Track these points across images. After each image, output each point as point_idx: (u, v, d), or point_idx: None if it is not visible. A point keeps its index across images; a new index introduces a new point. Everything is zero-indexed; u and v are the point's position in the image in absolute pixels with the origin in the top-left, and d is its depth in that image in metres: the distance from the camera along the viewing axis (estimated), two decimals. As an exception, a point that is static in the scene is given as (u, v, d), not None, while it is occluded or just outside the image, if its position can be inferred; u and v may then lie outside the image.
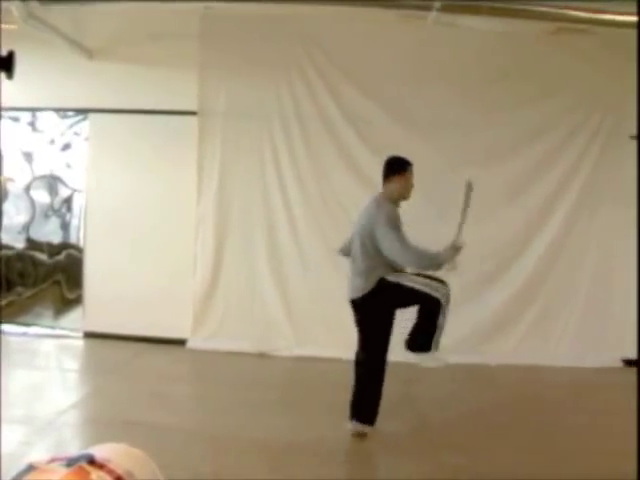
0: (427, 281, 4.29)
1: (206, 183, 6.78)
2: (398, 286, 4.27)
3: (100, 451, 0.85)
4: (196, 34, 6.66)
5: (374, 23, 6.49)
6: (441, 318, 4.30)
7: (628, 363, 6.85)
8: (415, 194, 6.46)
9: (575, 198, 6.80)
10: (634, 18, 5.26)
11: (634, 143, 6.80)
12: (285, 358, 6.49)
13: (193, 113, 6.74)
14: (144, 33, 6.65)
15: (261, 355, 6.53)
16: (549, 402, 5.49)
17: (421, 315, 4.34)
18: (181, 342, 6.72)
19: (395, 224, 4.24)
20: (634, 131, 6.80)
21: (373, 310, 4.35)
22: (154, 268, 6.83)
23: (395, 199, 4.44)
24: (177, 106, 6.73)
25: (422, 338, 4.38)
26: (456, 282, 6.59)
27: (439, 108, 6.64)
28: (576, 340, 6.75)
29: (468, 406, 5.18)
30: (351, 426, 4.37)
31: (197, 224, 6.80)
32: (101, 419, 4.55)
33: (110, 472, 0.80)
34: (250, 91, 6.68)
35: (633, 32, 5.84)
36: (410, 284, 4.28)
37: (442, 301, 4.25)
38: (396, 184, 4.42)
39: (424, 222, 6.51)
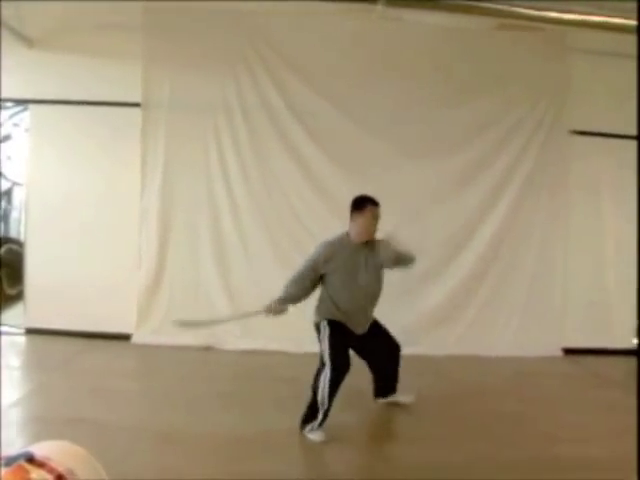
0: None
1: (150, 176, 6.69)
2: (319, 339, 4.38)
3: (41, 449, 0.84)
4: (140, 25, 6.55)
5: (320, 16, 6.50)
6: (322, 387, 4.23)
7: (568, 352, 7.07)
8: (364, 187, 6.57)
9: (517, 191, 6.96)
10: (576, 16, 5.39)
11: (573, 138, 7.00)
12: (231, 352, 6.46)
13: (137, 105, 6.64)
14: (86, 23, 6.52)
15: (207, 349, 6.50)
16: (492, 391, 5.59)
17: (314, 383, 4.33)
18: (125, 337, 6.64)
19: (312, 261, 4.37)
20: (574, 126, 7.01)
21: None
22: (97, 262, 6.72)
23: (354, 236, 4.43)
24: (120, 98, 6.61)
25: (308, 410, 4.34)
26: (402, 273, 6.73)
27: (386, 102, 6.70)
28: (518, 330, 6.91)
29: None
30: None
31: (141, 217, 6.71)
32: (44, 417, 4.45)
33: (51, 470, 0.79)
34: (195, 84, 6.62)
35: (574, 29, 5.98)
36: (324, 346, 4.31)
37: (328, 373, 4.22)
38: (354, 222, 4.42)
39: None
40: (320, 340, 4.36)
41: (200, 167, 6.67)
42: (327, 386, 4.20)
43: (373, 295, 4.58)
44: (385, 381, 4.96)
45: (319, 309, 4.47)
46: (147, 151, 6.66)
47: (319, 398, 4.23)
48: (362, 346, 4.61)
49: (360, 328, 4.54)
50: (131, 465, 3.44)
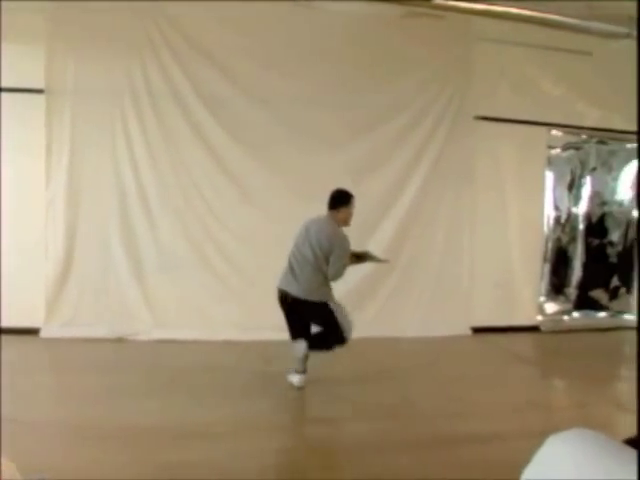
0: (347, 317, 5.09)
1: (55, 164, 6.46)
2: (331, 314, 5.01)
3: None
4: (44, 8, 6.30)
5: (229, 2, 6.43)
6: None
7: (476, 331, 7.35)
8: (272, 172, 6.64)
9: (425, 175, 7.14)
10: (478, 6, 5.55)
11: (478, 123, 7.24)
12: (144, 342, 6.36)
13: (40, 91, 6.41)
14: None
15: (119, 340, 6.38)
16: (403, 371, 5.74)
17: (323, 336, 5.08)
18: (34, 331, 6.43)
19: (348, 249, 5.02)
20: (478, 112, 7.24)
21: (310, 311, 5.05)
22: (3, 255, 6.47)
23: (343, 224, 5.15)
24: (23, 84, 6.36)
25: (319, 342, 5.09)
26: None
27: (294, 87, 6.72)
28: (428, 311, 7.09)
29: (326, 379, 5.32)
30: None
31: (47, 206, 6.49)
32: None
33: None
34: (100, 68, 6.41)
35: (477, 18, 6.15)
36: (339, 318, 5.02)
37: (346, 339, 5.03)
38: (343, 214, 5.12)
39: (287, 200, 6.66)
40: (335, 312, 5.02)
41: (107, 154, 6.50)
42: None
43: None
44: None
45: (324, 290, 5.05)
46: (52, 138, 6.43)
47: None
48: None
49: None
50: (47, 462, 3.34)
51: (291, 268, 5.09)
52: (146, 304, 6.59)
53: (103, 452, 3.76)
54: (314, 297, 5.02)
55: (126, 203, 6.56)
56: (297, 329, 5.15)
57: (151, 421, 4.31)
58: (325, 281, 5.05)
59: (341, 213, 5.13)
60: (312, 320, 5.14)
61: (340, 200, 5.14)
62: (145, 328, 6.50)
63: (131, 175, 6.53)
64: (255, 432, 4.24)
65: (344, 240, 5.02)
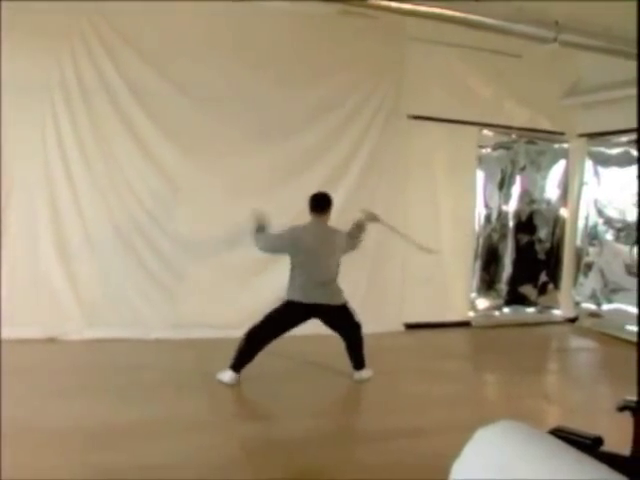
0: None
1: (-19, 160, 6.27)
2: (351, 315, 5.59)
3: None
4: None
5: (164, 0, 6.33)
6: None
7: (409, 327, 7.47)
8: (206, 172, 6.60)
9: (358, 173, 7.20)
10: (409, 6, 5.59)
11: (411, 122, 7.36)
12: (75, 342, 6.22)
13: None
14: None
15: (50, 340, 6.23)
16: (335, 367, 5.79)
17: (350, 339, 5.56)
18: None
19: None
20: (411, 111, 7.35)
21: (340, 316, 5.46)
22: None
23: None
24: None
25: (359, 356, 5.59)
26: (253, 256, 6.76)
27: (229, 85, 6.67)
28: (362, 308, 7.11)
29: (259, 377, 5.31)
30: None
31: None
32: None
33: None
34: (29, 61, 6.24)
35: (410, 18, 6.22)
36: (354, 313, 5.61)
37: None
38: (328, 216, 5.49)
39: (220, 197, 6.61)
40: (352, 312, 5.57)
41: (37, 148, 6.30)
42: None
43: None
44: None
45: (341, 292, 5.47)
46: (-21, 132, 6.23)
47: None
48: None
49: None
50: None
51: (314, 280, 5.27)
52: (77, 303, 6.44)
53: (32, 455, 3.68)
54: (341, 300, 5.43)
55: (56, 200, 6.37)
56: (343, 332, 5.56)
57: (82, 422, 4.22)
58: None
59: (328, 214, 5.47)
60: (340, 326, 5.49)
61: (329, 203, 5.49)
62: (76, 327, 6.36)
63: (62, 171, 6.33)
64: (189, 431, 4.22)
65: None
